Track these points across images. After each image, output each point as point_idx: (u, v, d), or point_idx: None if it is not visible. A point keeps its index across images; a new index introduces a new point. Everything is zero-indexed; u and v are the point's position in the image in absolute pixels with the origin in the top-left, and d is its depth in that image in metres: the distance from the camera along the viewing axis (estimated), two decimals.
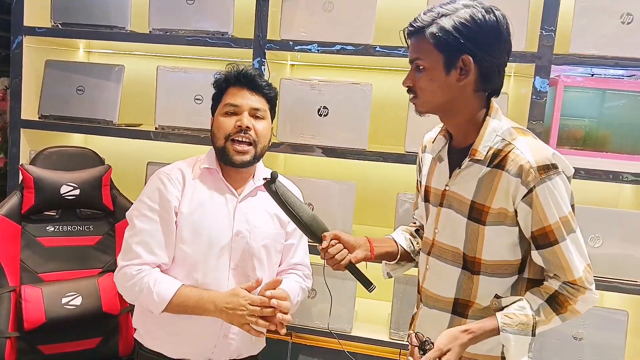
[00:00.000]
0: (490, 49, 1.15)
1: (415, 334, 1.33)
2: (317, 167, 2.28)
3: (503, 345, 1.16)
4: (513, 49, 1.82)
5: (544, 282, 1.20)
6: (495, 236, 1.19)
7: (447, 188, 1.26)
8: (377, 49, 1.91)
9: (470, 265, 1.23)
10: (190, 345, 1.51)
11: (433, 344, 1.13)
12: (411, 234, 1.47)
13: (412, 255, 1.42)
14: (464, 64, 1.14)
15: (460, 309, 1.25)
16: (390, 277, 1.46)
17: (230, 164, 1.53)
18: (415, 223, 1.52)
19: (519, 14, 1.85)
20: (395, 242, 1.41)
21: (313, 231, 1.35)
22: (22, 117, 2.26)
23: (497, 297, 1.21)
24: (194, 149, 2.18)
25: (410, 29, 1.19)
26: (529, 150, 1.15)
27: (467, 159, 1.20)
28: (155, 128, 2.14)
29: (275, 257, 1.60)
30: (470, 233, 1.21)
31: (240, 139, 1.49)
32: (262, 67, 2.02)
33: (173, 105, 2.13)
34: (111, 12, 2.15)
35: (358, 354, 2.00)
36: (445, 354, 1.10)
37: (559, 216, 1.14)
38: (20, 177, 2.14)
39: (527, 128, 1.82)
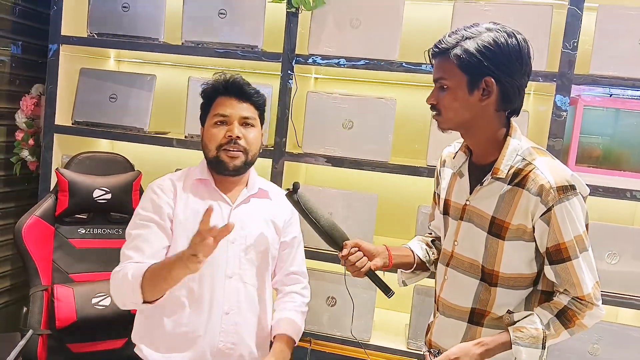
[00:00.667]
0: (511, 72, 1.21)
1: (429, 350, 1.38)
2: (339, 178, 2.33)
3: (515, 358, 1.21)
4: (534, 68, 1.89)
5: (554, 298, 1.26)
6: (514, 251, 1.25)
7: (467, 203, 1.31)
8: (402, 64, 1.97)
9: (488, 278, 1.28)
10: (186, 356, 1.49)
11: None
12: (427, 244, 1.51)
13: (427, 264, 1.48)
14: (486, 85, 1.21)
15: (476, 318, 1.31)
16: (405, 285, 1.51)
17: (223, 171, 1.54)
18: (431, 234, 1.57)
19: (541, 35, 1.91)
20: (412, 251, 1.47)
21: (334, 239, 1.40)
22: (55, 123, 2.34)
23: (509, 312, 1.27)
24: None
25: (435, 50, 1.26)
26: (549, 170, 1.21)
27: (489, 176, 1.26)
28: (185, 136, 2.21)
29: (271, 264, 1.61)
30: (490, 247, 1.26)
31: (231, 149, 1.52)
32: (290, 80, 2.09)
33: None
34: (145, 24, 2.24)
35: None
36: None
37: (574, 235, 1.20)
38: (55, 181, 2.23)
39: (547, 145, 1.89)
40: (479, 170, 1.31)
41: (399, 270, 1.49)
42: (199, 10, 2.17)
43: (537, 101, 2.18)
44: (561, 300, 1.23)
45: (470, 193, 1.31)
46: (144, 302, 1.37)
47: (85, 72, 2.37)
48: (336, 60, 2.05)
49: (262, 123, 1.62)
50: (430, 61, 1.29)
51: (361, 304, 2.08)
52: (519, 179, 1.22)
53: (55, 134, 2.34)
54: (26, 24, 2.42)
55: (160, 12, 2.23)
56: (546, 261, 1.24)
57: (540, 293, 1.29)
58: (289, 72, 2.09)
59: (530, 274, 1.27)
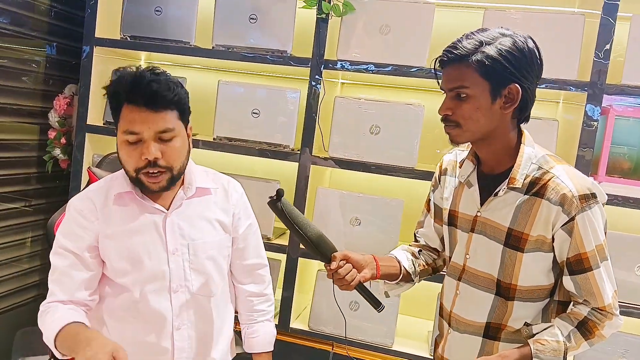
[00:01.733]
0: (532, 77, 1.17)
1: None
2: (364, 183, 2.34)
3: None
4: (564, 77, 1.89)
5: (572, 308, 1.22)
6: (532, 262, 1.21)
7: (479, 214, 1.26)
8: (432, 71, 1.97)
9: (505, 292, 1.24)
10: None
11: None
12: (413, 255, 1.44)
13: (412, 276, 1.41)
14: (509, 92, 1.16)
15: (492, 332, 1.27)
16: (388, 296, 1.44)
17: (148, 192, 1.33)
18: (417, 242, 1.50)
19: (572, 43, 1.90)
20: (399, 261, 1.39)
21: (322, 251, 1.28)
22: (87, 122, 2.40)
23: (527, 324, 1.23)
24: (247, 160, 2.29)
25: (450, 56, 1.17)
26: (569, 179, 1.16)
27: (503, 187, 1.21)
28: (214, 139, 2.25)
29: (225, 265, 1.44)
30: (507, 260, 1.22)
31: (151, 171, 1.26)
32: (318, 85, 2.11)
33: (231, 117, 2.24)
34: (177, 28, 2.28)
35: None
36: None
37: (595, 244, 1.16)
38: (86, 179, 2.28)
39: (577, 155, 1.87)
40: (489, 180, 1.26)
41: (383, 280, 1.41)
42: (230, 14, 2.20)
43: (566, 110, 2.17)
44: (580, 310, 1.19)
45: (482, 204, 1.26)
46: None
47: (117, 73, 2.42)
48: (364, 66, 2.06)
49: (186, 121, 1.33)
50: (434, 68, 1.22)
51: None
52: (537, 188, 1.18)
53: (86, 133, 2.40)
54: (61, 26, 2.49)
55: (192, 16, 2.27)
56: (565, 271, 1.19)
57: (557, 303, 1.26)
58: (317, 77, 2.11)
59: (548, 285, 1.24)
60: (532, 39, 1.18)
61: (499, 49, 1.13)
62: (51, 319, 1.24)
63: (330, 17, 2.08)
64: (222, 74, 2.51)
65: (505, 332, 1.25)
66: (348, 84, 2.44)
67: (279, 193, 1.25)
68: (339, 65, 2.10)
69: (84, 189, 2.03)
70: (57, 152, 2.46)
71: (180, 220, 1.36)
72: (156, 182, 1.28)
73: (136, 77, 1.25)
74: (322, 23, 2.09)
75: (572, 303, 1.24)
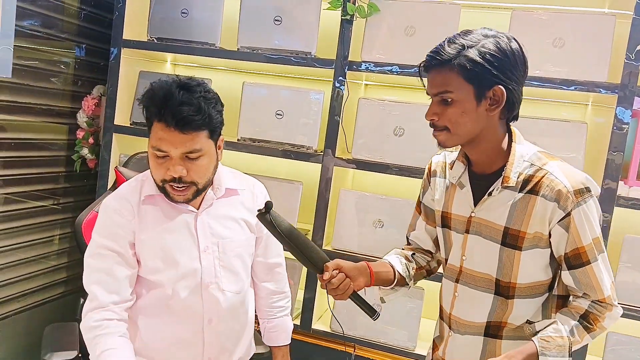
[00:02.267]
0: (517, 78, 1.17)
1: None
2: (388, 184, 2.33)
3: None
4: (595, 79, 1.85)
5: (572, 302, 1.22)
6: (530, 259, 1.21)
7: (473, 215, 1.25)
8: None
9: (504, 291, 1.24)
10: None
11: None
12: (406, 258, 1.43)
13: (406, 280, 1.39)
14: (494, 94, 1.16)
15: (493, 331, 1.26)
16: (383, 302, 1.43)
17: (173, 201, 1.36)
18: (410, 245, 1.50)
19: (603, 45, 1.86)
20: (392, 266, 1.39)
21: (313, 262, 1.27)
22: (115, 123, 2.44)
23: (529, 322, 1.23)
24: (271, 161, 2.30)
25: (434, 62, 1.17)
26: (563, 174, 1.17)
27: (497, 186, 1.21)
28: (238, 139, 2.27)
29: (250, 263, 1.50)
30: (505, 259, 1.22)
31: (176, 186, 1.30)
32: (342, 86, 2.11)
33: (255, 118, 2.25)
34: (203, 29, 2.31)
35: None
36: None
37: (592, 237, 1.17)
38: (113, 178, 2.32)
39: (607, 159, 1.83)
40: (481, 180, 1.26)
41: (378, 286, 1.40)
42: (255, 16, 2.22)
43: (596, 113, 2.12)
44: (581, 304, 1.19)
45: (475, 204, 1.26)
46: None
47: (144, 75, 2.46)
48: (389, 67, 2.05)
49: (216, 137, 1.35)
50: (420, 75, 1.23)
51: (407, 313, 2.07)
52: (531, 186, 1.18)
53: (114, 134, 2.44)
54: (90, 28, 2.54)
55: (218, 18, 2.29)
56: (564, 266, 1.20)
57: (557, 298, 1.25)
58: (341, 78, 2.11)
59: (546, 280, 1.24)
60: (515, 40, 1.18)
61: (481, 52, 1.13)
62: (103, 346, 1.25)
63: (354, 19, 2.08)
64: (247, 76, 2.53)
65: (507, 330, 1.25)
66: (372, 85, 2.43)
67: (268, 205, 1.25)
68: (363, 67, 2.09)
69: (111, 188, 2.08)
70: (85, 151, 2.51)
71: (210, 220, 1.41)
72: (181, 195, 1.32)
73: (167, 96, 1.25)
74: (346, 24, 2.09)
75: (571, 297, 1.23)
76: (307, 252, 1.27)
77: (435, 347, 1.42)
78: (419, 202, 1.45)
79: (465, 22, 2.02)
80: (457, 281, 1.31)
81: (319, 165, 2.16)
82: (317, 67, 2.15)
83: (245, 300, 1.48)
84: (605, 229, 1.85)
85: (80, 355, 1.73)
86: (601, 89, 1.85)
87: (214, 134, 1.33)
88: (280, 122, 2.22)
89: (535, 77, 1.91)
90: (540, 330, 1.18)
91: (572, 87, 1.87)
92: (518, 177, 1.19)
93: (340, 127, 2.14)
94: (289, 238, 1.26)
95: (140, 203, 1.37)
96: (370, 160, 2.11)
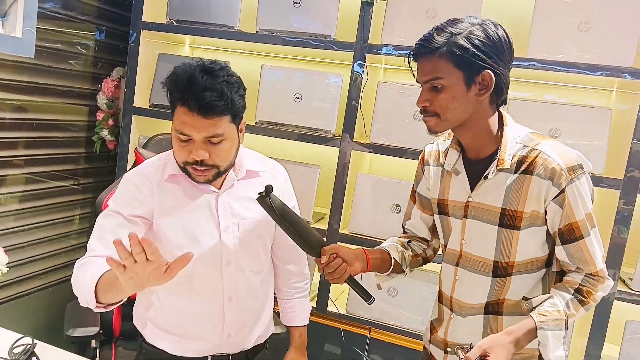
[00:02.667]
0: (504, 63, 1.20)
1: (446, 350, 1.36)
2: (405, 169, 2.31)
3: (539, 342, 1.19)
4: (620, 64, 1.81)
5: (565, 277, 1.26)
6: (528, 238, 1.24)
7: (470, 199, 1.29)
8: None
9: (503, 271, 1.27)
10: (193, 344, 1.44)
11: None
12: (403, 245, 1.47)
13: (403, 267, 1.43)
14: (482, 79, 1.19)
15: (493, 308, 1.30)
16: (380, 288, 1.48)
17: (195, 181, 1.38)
18: (405, 233, 1.53)
19: (630, 30, 1.82)
20: (389, 253, 1.42)
21: (311, 245, 1.30)
22: (134, 105, 2.46)
23: (525, 298, 1.26)
24: (288, 144, 2.30)
25: (424, 50, 1.21)
26: (556, 153, 1.20)
27: (492, 169, 1.24)
28: (255, 123, 2.27)
29: (269, 244, 1.52)
30: (504, 240, 1.25)
31: (198, 168, 1.32)
32: (362, 70, 2.10)
33: (273, 102, 2.25)
34: (222, 12, 2.30)
35: None
36: (486, 352, 1.13)
37: (585, 213, 1.20)
38: (132, 159, 2.34)
39: (631, 147, 1.80)
40: (475, 165, 1.29)
41: (375, 273, 1.44)
42: None
43: (620, 99, 2.08)
44: (575, 278, 1.24)
45: (472, 189, 1.29)
46: (97, 305, 1.23)
47: (163, 58, 2.47)
48: (409, 51, 2.02)
49: (238, 121, 1.35)
50: (409, 62, 1.27)
51: (423, 297, 2.08)
52: (525, 166, 1.21)
53: (133, 116, 2.47)
54: (110, 11, 2.55)
55: (237, 0, 2.28)
56: (558, 241, 1.23)
57: (555, 274, 1.29)
58: (361, 61, 2.10)
59: (543, 256, 1.27)
60: (501, 27, 1.22)
61: (470, 39, 1.17)
62: (92, 267, 1.24)
63: (375, 1, 2.06)
64: (266, 59, 2.52)
65: (506, 306, 1.29)
66: (391, 69, 2.41)
67: (268, 189, 1.27)
68: (383, 50, 2.07)
69: (130, 169, 2.10)
70: (105, 133, 2.53)
71: (231, 200, 1.43)
72: (202, 175, 1.34)
73: (191, 80, 1.25)
74: (366, 7, 2.07)
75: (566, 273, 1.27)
76: (305, 235, 1.30)
77: (433, 329, 1.45)
78: (414, 192, 1.49)
79: (488, 5, 2.00)
80: (457, 265, 1.35)
81: (337, 149, 2.16)
82: (336, 50, 2.13)
83: (265, 280, 1.50)
84: (627, 217, 1.83)
85: (101, 331, 1.77)
86: (627, 75, 1.81)
87: (236, 118, 1.33)
88: (298, 106, 2.22)
89: (560, 61, 1.87)
90: (537, 306, 1.22)
91: (598, 73, 1.84)
92: (512, 159, 1.23)
93: (358, 110, 2.13)
94: (287, 222, 1.28)
95: (161, 182, 1.39)
96: (389, 145, 2.10)
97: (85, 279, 1.22)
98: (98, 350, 1.80)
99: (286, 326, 1.62)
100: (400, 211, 2.08)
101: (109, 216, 1.36)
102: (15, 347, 1.34)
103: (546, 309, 1.19)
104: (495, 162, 1.24)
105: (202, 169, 1.31)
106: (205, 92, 1.24)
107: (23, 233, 2.27)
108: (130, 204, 1.36)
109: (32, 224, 2.32)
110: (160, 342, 1.43)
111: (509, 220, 1.24)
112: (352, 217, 2.18)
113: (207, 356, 1.44)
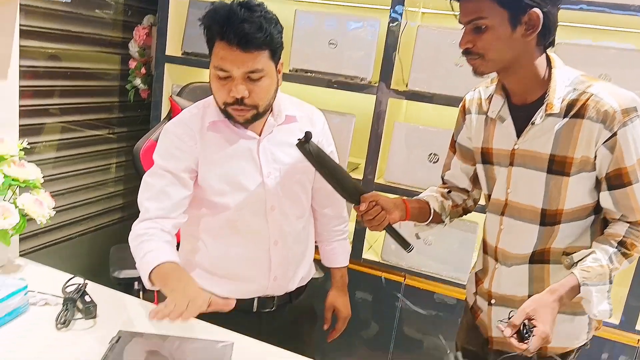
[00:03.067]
0: (552, 1, 1.13)
1: (490, 302, 1.35)
2: (444, 118, 2.27)
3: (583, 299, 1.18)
4: None
5: (608, 229, 1.22)
6: (578, 184, 1.21)
7: (516, 147, 1.25)
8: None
9: (551, 219, 1.25)
10: (241, 286, 1.46)
11: (528, 327, 1.12)
12: (443, 195, 1.46)
13: (442, 217, 1.43)
14: (529, 18, 1.13)
15: (538, 257, 1.28)
16: (418, 238, 1.48)
17: (235, 122, 1.38)
18: (445, 184, 1.51)
19: None
20: (428, 203, 1.41)
21: (350, 193, 1.30)
22: (166, 54, 2.44)
23: (566, 254, 1.23)
24: (323, 92, 2.27)
25: None
26: (609, 94, 1.15)
27: (541, 114, 1.19)
28: (289, 70, 2.24)
29: (309, 186, 1.51)
30: (552, 187, 1.22)
31: (238, 107, 1.31)
32: (400, 15, 2.03)
33: (308, 49, 2.21)
34: None
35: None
36: (529, 315, 1.11)
37: (636, 159, 1.16)
38: (166, 108, 2.35)
39: None
40: (521, 111, 1.24)
41: (413, 222, 1.44)
42: None
43: None
44: (618, 231, 1.20)
45: (518, 136, 1.25)
46: (151, 285, 1.28)
47: (195, 4, 2.42)
48: None
49: (277, 59, 1.33)
50: (451, 2, 1.20)
51: (461, 245, 2.08)
52: (576, 110, 1.17)
53: (165, 64, 2.45)
54: None
55: None
56: (604, 187, 1.20)
57: (603, 221, 1.26)
58: (399, 5, 2.03)
59: (592, 203, 1.24)
60: None
61: None
62: (147, 249, 1.28)
63: None
64: (300, 4, 2.45)
65: (553, 254, 1.27)
66: (430, 13, 2.33)
67: (307, 135, 1.25)
68: None
69: (165, 117, 2.11)
70: (138, 82, 2.53)
71: (272, 146, 1.42)
72: (242, 116, 1.33)
73: (229, 13, 1.24)
74: None
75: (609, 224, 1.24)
76: (344, 182, 1.30)
77: (478, 280, 1.44)
78: (453, 142, 1.46)
79: None
80: (502, 214, 1.33)
81: (373, 97, 2.12)
82: None
83: (307, 224, 1.53)
84: None
85: None
86: None
87: (275, 55, 1.31)
88: (333, 52, 2.17)
89: (610, 3, 1.78)
90: (578, 261, 1.19)
91: None
92: (561, 103, 1.18)
93: (396, 57, 2.08)
94: (326, 168, 1.28)
95: (202, 130, 1.39)
96: (428, 92, 2.05)
97: (142, 259, 1.28)
98: (141, 292, 1.86)
99: (328, 268, 1.66)
100: (437, 160, 2.06)
101: (158, 175, 1.37)
102: (68, 286, 1.39)
103: (589, 264, 1.17)
104: (544, 106, 1.19)
105: (242, 109, 1.31)
106: (244, 24, 1.22)
107: (61, 180, 2.32)
108: (175, 157, 1.37)
109: (69, 171, 2.36)
110: (208, 285, 1.45)
111: (558, 167, 1.21)
112: (387, 166, 2.16)
113: (254, 298, 1.47)
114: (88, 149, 2.44)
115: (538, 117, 1.20)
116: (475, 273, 1.46)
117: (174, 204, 1.36)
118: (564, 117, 1.18)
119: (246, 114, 1.33)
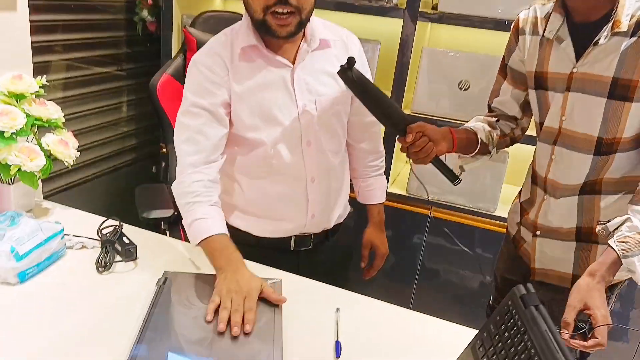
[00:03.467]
0: None
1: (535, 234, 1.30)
2: (473, 42, 2.16)
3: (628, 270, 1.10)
4: None
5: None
6: (638, 110, 1.13)
7: (574, 70, 1.17)
8: None
9: (607, 148, 1.18)
10: (279, 225, 1.42)
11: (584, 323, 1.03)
12: (490, 125, 1.37)
13: (489, 147, 1.36)
14: None
15: (589, 188, 1.23)
16: (463, 170, 1.40)
17: (273, 37, 1.27)
18: (493, 112, 1.43)
19: None
20: (475, 133, 1.34)
21: (396, 123, 1.21)
22: None
23: (601, 223, 1.17)
24: (346, 17, 2.13)
25: None
26: None
27: (607, 33, 1.10)
28: None
29: (345, 119, 1.43)
30: (612, 113, 1.14)
31: (280, 10, 1.21)
32: None
33: None
34: None
35: (498, 233, 2.04)
36: (580, 309, 1.03)
37: None
38: (178, 41, 2.22)
39: None
40: (582, 30, 1.14)
41: (458, 154, 1.37)
42: None
43: None
44: None
45: (577, 58, 1.16)
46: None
47: None
48: None
49: None
50: None
51: (490, 175, 2.04)
52: None
53: None
54: None
55: None
56: None
57: None
58: None
59: None
60: None
61: None
62: (195, 214, 1.23)
63: None
64: None
65: (605, 184, 1.21)
66: None
67: (350, 61, 1.17)
68: None
69: (180, 50, 1.99)
70: (145, 13, 2.38)
71: (306, 75, 1.33)
72: (284, 25, 1.23)
73: None
74: None
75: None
76: (390, 112, 1.22)
77: (523, 211, 1.39)
78: (504, 66, 1.36)
79: None
80: (554, 143, 1.25)
81: (399, 22, 1.99)
82: None
83: (343, 160, 1.47)
84: None
85: (175, 213, 1.79)
86: None
87: None
88: None
89: None
90: (614, 231, 1.10)
91: None
92: (630, 20, 1.08)
93: None
94: (372, 97, 1.20)
95: (232, 59, 1.29)
96: (460, 14, 1.93)
97: (190, 224, 1.23)
98: (167, 232, 1.83)
99: (365, 205, 1.60)
100: (469, 88, 1.97)
101: (192, 114, 1.28)
102: (103, 228, 1.35)
103: (625, 234, 1.07)
104: (610, 24, 1.09)
105: (284, 12, 1.20)
106: None
107: (72, 121, 2.23)
108: (209, 91, 1.28)
109: (78, 112, 2.26)
110: (244, 226, 1.42)
111: (621, 91, 1.12)
112: (415, 95, 2.07)
113: (291, 236, 1.44)
114: (97, 88, 2.33)
115: (602, 37, 1.11)
116: (521, 203, 1.42)
117: (213, 145, 1.29)
118: (631, 37, 1.09)
119: (289, 23, 1.22)
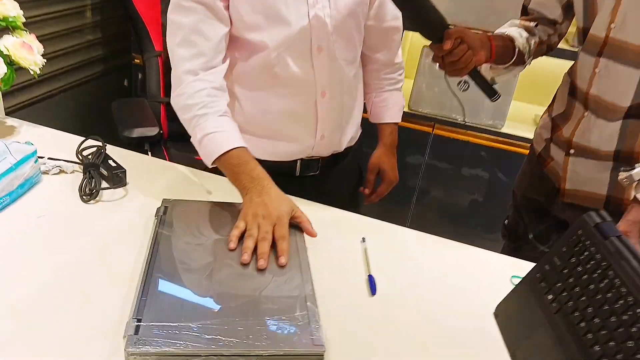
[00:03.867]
0: None
1: (569, 153, 1.19)
2: None
3: None
4: None
5: None
6: None
7: None
8: None
9: None
10: (284, 147, 1.26)
11: None
12: (528, 30, 1.23)
13: (525, 57, 1.21)
14: None
15: (634, 111, 1.09)
16: (494, 83, 1.23)
17: None
18: (529, 15, 1.27)
19: None
20: (512, 41, 1.19)
21: (433, 27, 1.04)
22: None
23: (624, 170, 1.04)
24: None
25: None
26: None
27: None
28: None
29: (362, 23, 1.23)
30: None
31: None
32: None
33: None
34: None
35: (501, 150, 1.95)
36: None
37: None
38: None
39: None
40: None
41: (488, 64, 1.22)
42: None
43: None
44: None
45: None
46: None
47: None
48: None
49: None
50: None
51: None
52: None
53: None
54: None
55: None
56: None
57: None
58: None
59: None
60: None
61: None
62: (205, 129, 1.05)
63: None
64: None
65: None
66: None
67: None
68: None
69: None
70: None
71: None
72: None
73: None
74: None
75: None
76: (428, 13, 1.03)
77: (556, 126, 1.26)
78: None
79: None
80: (599, 55, 1.09)
81: None
82: None
83: (357, 73, 1.28)
84: None
85: (161, 132, 1.60)
86: None
87: None
88: None
89: None
90: (638, 180, 0.99)
91: None
92: None
93: None
94: None
95: None
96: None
97: (200, 140, 1.05)
98: (149, 153, 1.66)
99: (376, 124, 1.42)
100: (468, 87, 1.78)
101: (185, 10, 1.06)
102: (83, 149, 1.16)
103: None
104: None
105: None
106: None
107: (29, 27, 1.93)
108: None
109: (36, 15, 1.96)
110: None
111: None
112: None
113: (297, 160, 1.27)
114: None
115: None
116: (552, 118, 1.28)
117: (213, 47, 1.08)
118: None
119: None
